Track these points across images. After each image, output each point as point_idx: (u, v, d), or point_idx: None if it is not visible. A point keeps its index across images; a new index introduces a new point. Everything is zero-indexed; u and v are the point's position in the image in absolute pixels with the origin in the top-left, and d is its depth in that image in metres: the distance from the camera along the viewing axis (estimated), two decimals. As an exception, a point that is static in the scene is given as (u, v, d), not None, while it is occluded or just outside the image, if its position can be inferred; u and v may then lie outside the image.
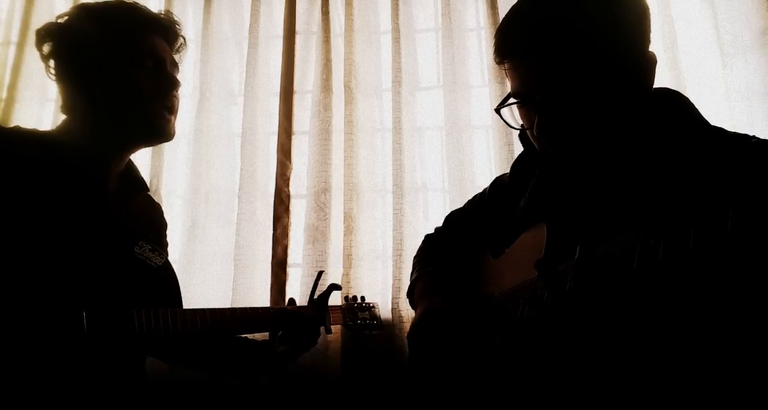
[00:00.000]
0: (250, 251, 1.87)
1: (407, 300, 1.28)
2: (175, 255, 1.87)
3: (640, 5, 0.83)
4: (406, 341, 1.66)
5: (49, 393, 0.89)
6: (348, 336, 1.71)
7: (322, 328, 1.27)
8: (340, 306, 1.37)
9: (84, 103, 1.08)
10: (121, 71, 1.05)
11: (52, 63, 1.09)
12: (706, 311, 0.68)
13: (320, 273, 1.36)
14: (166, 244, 1.27)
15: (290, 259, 1.90)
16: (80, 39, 1.06)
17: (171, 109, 1.11)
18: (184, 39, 1.18)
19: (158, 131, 1.10)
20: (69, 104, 1.10)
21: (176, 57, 1.17)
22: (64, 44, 1.07)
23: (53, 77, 1.09)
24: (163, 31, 1.12)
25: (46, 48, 1.08)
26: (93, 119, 1.07)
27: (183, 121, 2.01)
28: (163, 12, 1.15)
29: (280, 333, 1.23)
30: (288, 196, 1.94)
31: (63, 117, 1.12)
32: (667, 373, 0.70)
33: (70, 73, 1.08)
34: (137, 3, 1.13)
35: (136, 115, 1.07)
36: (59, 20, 1.09)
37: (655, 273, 0.65)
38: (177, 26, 1.15)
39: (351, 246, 1.81)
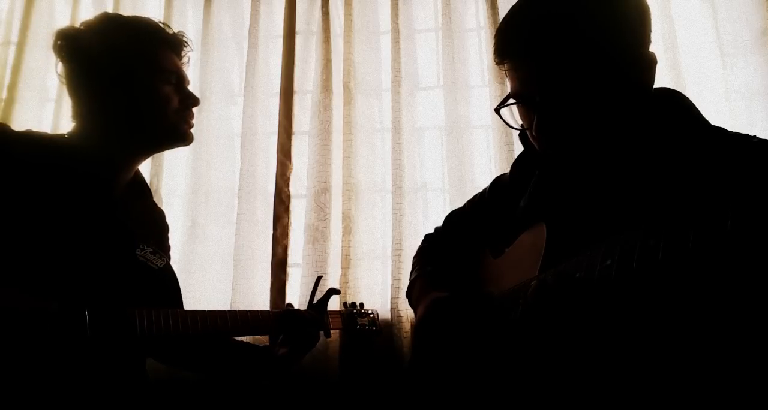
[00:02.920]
0: (250, 251, 1.87)
1: (407, 300, 1.28)
2: (175, 255, 1.86)
3: (641, 5, 0.83)
4: (405, 341, 1.67)
5: (51, 392, 0.89)
6: (346, 338, 1.71)
7: (321, 332, 1.28)
8: (339, 311, 1.38)
9: (99, 111, 1.09)
10: (150, 85, 1.10)
11: (66, 66, 1.10)
12: (706, 311, 0.68)
13: (319, 278, 1.38)
14: (168, 247, 1.29)
15: (290, 259, 1.90)
16: (105, 48, 1.08)
17: (191, 118, 1.18)
18: (189, 58, 1.23)
19: (183, 136, 1.16)
20: (82, 111, 1.11)
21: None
22: (86, 50, 1.08)
23: (64, 80, 1.11)
24: (178, 49, 1.18)
25: (64, 51, 1.09)
26: (110, 128, 1.09)
27: (183, 120, 2.02)
28: (177, 32, 1.19)
29: (281, 337, 1.24)
30: (288, 196, 1.94)
31: (66, 118, 1.13)
32: (666, 373, 0.70)
33: (88, 79, 1.09)
34: (158, 21, 1.17)
35: (163, 125, 1.12)
36: (83, 26, 1.11)
37: (654, 274, 0.65)
38: (188, 46, 1.21)
39: (351, 247, 1.81)
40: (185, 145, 1.19)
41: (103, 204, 1.06)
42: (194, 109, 2.05)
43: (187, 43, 1.20)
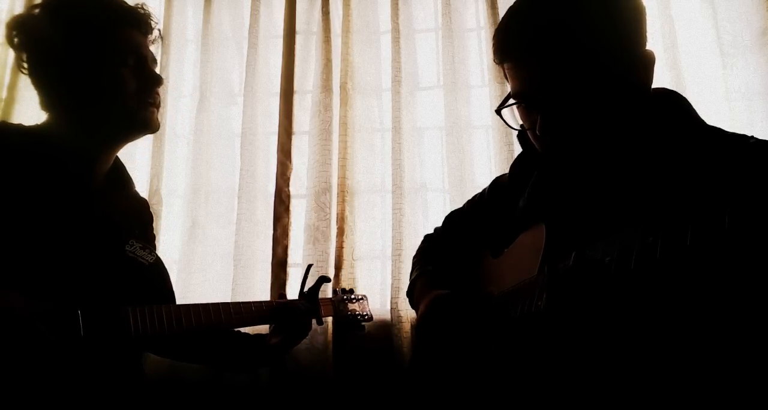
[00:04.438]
0: (250, 251, 1.87)
1: (407, 299, 1.28)
2: (175, 255, 1.88)
3: (637, 3, 0.83)
4: (404, 341, 1.67)
5: (46, 394, 0.88)
6: (337, 324, 1.71)
7: (314, 321, 1.29)
8: (330, 298, 1.39)
9: (64, 99, 1.04)
10: (104, 68, 1.02)
11: (24, 56, 1.04)
12: (705, 309, 0.68)
13: (309, 267, 1.39)
14: (153, 237, 1.26)
15: (290, 259, 1.90)
16: (57, 32, 1.01)
17: (154, 103, 1.09)
18: (160, 32, 1.15)
19: (143, 123, 1.07)
20: (48, 100, 1.06)
21: (152, 49, 1.13)
22: (39, 36, 1.02)
23: (25, 71, 1.05)
24: (140, 25, 1.09)
25: (17, 40, 1.03)
26: (75, 116, 1.04)
27: (183, 121, 2.02)
28: (139, 5, 1.10)
29: (273, 325, 1.24)
30: (288, 196, 1.94)
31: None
32: (665, 372, 0.70)
33: (46, 67, 1.03)
34: None
35: (120, 112, 1.04)
36: (33, 11, 1.04)
37: (653, 272, 0.66)
38: (153, 20, 1.12)
39: (350, 247, 1.81)
40: (151, 133, 1.11)
41: (82, 198, 1.02)
42: (194, 108, 2.05)
43: (149, 16, 1.10)
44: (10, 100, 2.02)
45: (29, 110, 2.02)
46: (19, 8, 2.14)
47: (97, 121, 1.04)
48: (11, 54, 2.06)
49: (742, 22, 1.75)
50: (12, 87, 2.03)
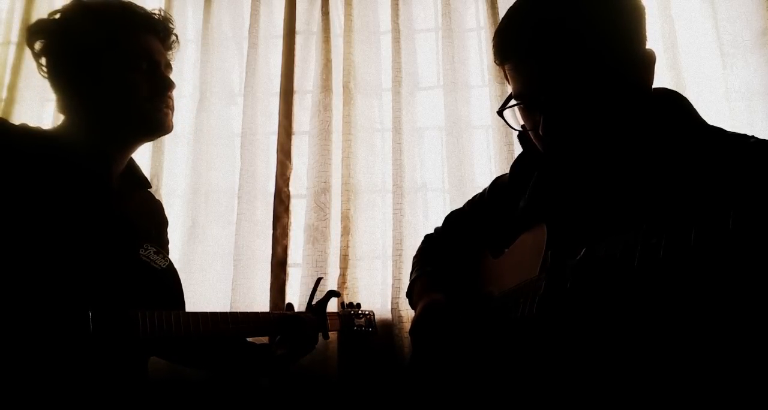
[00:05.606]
0: (250, 251, 1.87)
1: (407, 300, 1.28)
2: (175, 255, 1.86)
3: (636, 3, 0.83)
4: (405, 341, 1.68)
5: (53, 391, 0.89)
6: (343, 338, 1.72)
7: (320, 333, 1.29)
8: (337, 313, 1.39)
9: (80, 102, 1.07)
10: (116, 73, 1.05)
11: (43, 61, 1.08)
12: (707, 310, 0.68)
13: (319, 280, 1.39)
14: (167, 241, 1.28)
15: (290, 259, 1.90)
16: (75, 37, 1.05)
17: (167, 106, 1.12)
18: (177, 37, 1.18)
19: (157, 124, 1.10)
20: (65, 103, 1.09)
21: (169, 54, 1.16)
22: (57, 41, 1.06)
23: (45, 75, 1.08)
24: (157, 30, 1.12)
25: (38, 45, 1.07)
26: (90, 119, 1.07)
27: (183, 120, 2.02)
28: (156, 10, 1.14)
29: (278, 337, 1.24)
30: (288, 196, 1.94)
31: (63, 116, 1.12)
32: (667, 372, 0.70)
33: (63, 71, 1.07)
34: (132, 2, 1.12)
35: (132, 115, 1.08)
36: (53, 17, 1.08)
37: (656, 272, 0.66)
38: (170, 24, 1.15)
39: (350, 247, 1.81)
40: (164, 134, 1.14)
41: (101, 199, 1.04)
42: (194, 109, 2.04)
43: (167, 20, 1.13)
44: (10, 100, 2.01)
45: (29, 110, 2.02)
46: (19, 8, 2.14)
47: (112, 123, 1.07)
48: (11, 54, 2.09)
49: (742, 22, 1.75)
50: (12, 87, 2.03)
